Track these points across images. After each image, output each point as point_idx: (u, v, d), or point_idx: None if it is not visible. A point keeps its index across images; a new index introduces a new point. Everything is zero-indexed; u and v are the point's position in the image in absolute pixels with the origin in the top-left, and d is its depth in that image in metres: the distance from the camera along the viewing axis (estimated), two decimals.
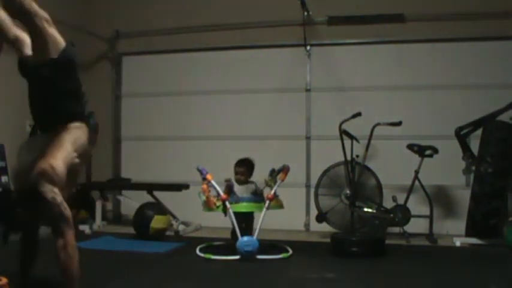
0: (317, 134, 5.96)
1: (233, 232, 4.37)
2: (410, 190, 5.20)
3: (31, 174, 2.58)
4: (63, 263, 2.51)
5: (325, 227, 5.41)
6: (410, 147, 5.23)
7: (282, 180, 4.39)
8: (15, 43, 2.80)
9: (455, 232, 5.19)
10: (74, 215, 5.96)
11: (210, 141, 6.21)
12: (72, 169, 2.68)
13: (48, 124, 2.81)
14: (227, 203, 4.24)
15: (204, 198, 4.31)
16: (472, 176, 5.00)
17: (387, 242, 4.50)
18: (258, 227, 4.24)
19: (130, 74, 6.64)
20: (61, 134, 2.72)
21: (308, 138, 6.01)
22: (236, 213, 4.25)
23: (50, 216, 2.54)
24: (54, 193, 2.54)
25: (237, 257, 4.08)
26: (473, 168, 4.95)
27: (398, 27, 5.75)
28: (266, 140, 6.03)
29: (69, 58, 2.75)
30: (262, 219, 4.25)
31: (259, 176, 4.62)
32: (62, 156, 2.64)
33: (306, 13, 5.75)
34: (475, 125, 4.99)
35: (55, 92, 2.74)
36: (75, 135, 2.75)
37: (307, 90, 6.02)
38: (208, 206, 4.31)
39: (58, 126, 2.75)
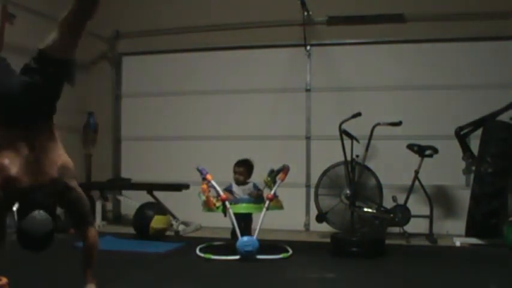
0: (317, 134, 5.96)
1: (233, 232, 4.37)
2: (410, 190, 5.20)
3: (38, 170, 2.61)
4: (96, 248, 2.78)
5: (325, 227, 5.41)
6: (410, 147, 5.23)
7: (282, 180, 4.39)
8: None
9: (455, 232, 5.19)
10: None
11: (210, 141, 6.21)
12: None
13: (33, 117, 2.71)
14: (227, 203, 4.24)
15: (204, 198, 4.31)
16: (472, 176, 5.00)
17: (387, 242, 4.50)
18: (258, 227, 4.24)
19: (130, 74, 6.64)
20: (52, 133, 2.75)
21: (308, 138, 6.01)
22: (235, 214, 4.24)
23: (82, 209, 2.72)
24: (79, 188, 2.72)
25: (237, 257, 4.08)
26: (473, 168, 4.95)
27: (398, 27, 5.75)
28: (266, 140, 6.03)
29: None
30: (262, 219, 4.25)
31: (259, 176, 4.62)
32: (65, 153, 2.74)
33: (306, 13, 5.75)
34: (475, 125, 4.99)
35: (60, 89, 2.75)
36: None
37: (307, 90, 6.02)
38: (208, 206, 4.31)
39: (42, 121, 2.73)
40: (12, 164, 2.59)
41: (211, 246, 4.65)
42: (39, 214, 2.53)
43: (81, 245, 2.78)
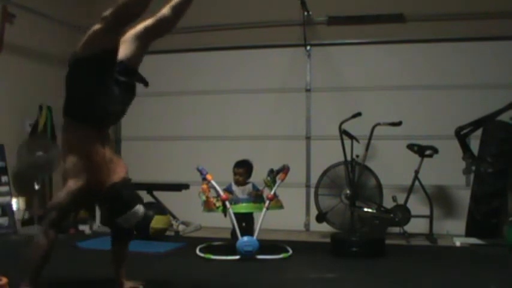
0: (317, 134, 5.96)
1: (233, 232, 4.37)
2: (410, 190, 5.20)
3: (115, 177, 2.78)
4: None
5: (325, 227, 5.42)
6: (410, 147, 5.23)
7: (282, 180, 4.39)
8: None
9: (455, 232, 5.20)
10: (74, 215, 5.98)
11: (210, 141, 6.21)
12: None
13: (110, 125, 2.96)
14: (227, 203, 4.24)
15: (204, 198, 4.32)
16: (472, 176, 5.00)
17: (387, 242, 4.50)
18: (258, 227, 4.24)
19: None
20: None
21: (308, 138, 6.01)
22: (236, 214, 4.25)
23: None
24: None
25: (237, 257, 4.09)
26: (473, 168, 4.95)
27: (399, 27, 5.75)
28: (266, 140, 6.03)
29: None
30: (262, 219, 4.25)
31: (259, 176, 4.62)
32: None
33: (306, 13, 5.75)
34: (475, 125, 4.99)
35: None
36: None
37: (307, 90, 6.02)
38: (208, 206, 4.31)
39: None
40: (98, 164, 2.73)
41: (211, 246, 4.64)
42: (142, 207, 2.80)
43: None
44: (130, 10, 2.56)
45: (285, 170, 4.41)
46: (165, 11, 2.91)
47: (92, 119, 2.76)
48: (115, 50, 2.70)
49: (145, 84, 3.07)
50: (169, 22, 2.94)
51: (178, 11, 2.92)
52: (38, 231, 2.78)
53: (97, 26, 2.58)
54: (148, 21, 2.91)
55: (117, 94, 2.80)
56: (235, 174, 4.65)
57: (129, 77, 2.88)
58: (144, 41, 2.93)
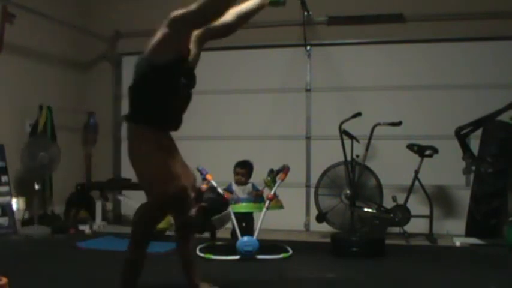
0: (317, 134, 5.96)
1: (233, 232, 4.38)
2: (410, 190, 5.20)
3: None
4: None
5: (325, 227, 5.42)
6: (410, 147, 5.24)
7: (282, 180, 4.39)
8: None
9: (455, 232, 5.20)
10: (74, 215, 5.99)
11: (210, 141, 6.21)
12: None
13: (173, 129, 2.87)
14: None
15: None
16: (472, 176, 5.00)
17: (387, 242, 4.50)
18: (258, 227, 4.24)
19: (130, 74, 6.59)
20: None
21: (308, 138, 6.01)
22: (236, 214, 4.25)
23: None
24: None
25: (237, 257, 4.09)
26: (473, 168, 4.95)
27: (399, 27, 5.76)
28: (266, 140, 6.03)
29: None
30: (262, 219, 4.25)
31: (259, 176, 4.62)
32: None
33: (306, 13, 5.75)
34: (475, 125, 4.99)
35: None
36: None
37: (307, 90, 6.02)
38: None
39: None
40: (177, 170, 2.67)
41: (211, 246, 4.64)
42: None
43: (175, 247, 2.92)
44: (215, 11, 2.47)
45: (285, 170, 4.41)
46: (230, 17, 2.81)
47: (168, 124, 2.73)
48: (187, 53, 2.62)
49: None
50: (231, 28, 2.87)
51: (242, 20, 2.87)
52: (127, 250, 2.70)
53: (167, 30, 2.52)
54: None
55: (183, 95, 2.78)
56: (236, 174, 4.66)
57: (188, 78, 2.81)
58: (203, 42, 2.83)
